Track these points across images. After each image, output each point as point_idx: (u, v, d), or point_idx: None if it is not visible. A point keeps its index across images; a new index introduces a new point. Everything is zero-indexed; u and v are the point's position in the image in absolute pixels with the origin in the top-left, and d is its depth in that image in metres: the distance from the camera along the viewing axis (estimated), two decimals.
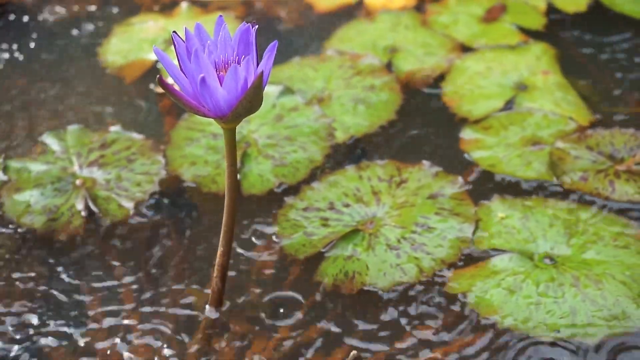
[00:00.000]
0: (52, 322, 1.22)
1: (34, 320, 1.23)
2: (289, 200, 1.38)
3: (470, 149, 1.48)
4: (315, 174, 1.44)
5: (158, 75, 0.96)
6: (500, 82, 1.62)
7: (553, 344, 1.15)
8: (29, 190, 1.40)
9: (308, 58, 1.70)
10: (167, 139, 1.52)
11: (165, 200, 1.41)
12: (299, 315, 1.22)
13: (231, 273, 1.27)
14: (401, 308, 1.22)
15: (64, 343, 1.19)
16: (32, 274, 1.30)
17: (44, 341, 1.20)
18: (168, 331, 1.20)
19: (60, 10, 1.95)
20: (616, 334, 1.15)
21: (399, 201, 1.35)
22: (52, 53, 1.81)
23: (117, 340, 1.19)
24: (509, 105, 1.57)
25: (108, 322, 1.22)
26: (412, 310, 1.22)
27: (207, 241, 1.34)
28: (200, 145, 1.49)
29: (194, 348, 1.18)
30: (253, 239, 1.34)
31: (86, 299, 1.26)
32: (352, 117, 1.55)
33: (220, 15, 1.00)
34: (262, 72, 0.95)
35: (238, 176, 1.42)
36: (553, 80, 1.61)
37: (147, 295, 1.26)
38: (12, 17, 1.93)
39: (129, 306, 1.24)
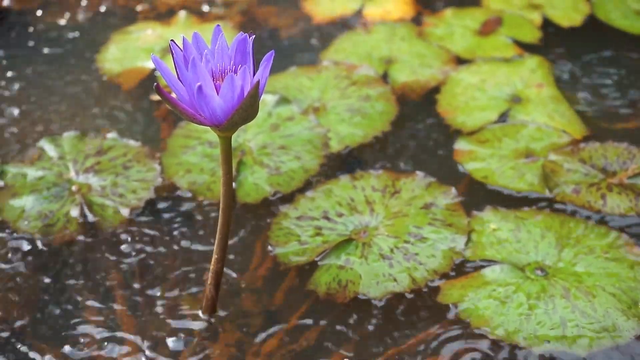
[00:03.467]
0: (45, 328, 1.23)
1: (28, 325, 1.23)
2: (283, 209, 1.39)
3: (464, 161, 1.49)
4: (309, 183, 1.45)
5: (155, 83, 0.97)
6: (494, 95, 1.63)
7: (543, 355, 1.16)
8: (25, 196, 1.41)
9: (304, 68, 1.71)
10: (163, 146, 1.53)
11: (161, 207, 1.42)
12: (292, 323, 1.23)
13: (225, 280, 1.28)
14: (393, 317, 1.23)
15: (57, 349, 1.20)
16: (27, 279, 1.30)
17: (37, 348, 1.20)
18: (162, 338, 1.21)
19: (58, 17, 1.96)
20: (606, 346, 1.15)
21: (393, 211, 1.36)
22: (50, 60, 1.82)
23: (111, 346, 1.20)
24: (503, 117, 1.58)
25: (102, 328, 1.22)
26: (404, 319, 1.22)
27: (202, 248, 1.35)
28: (196, 153, 1.49)
29: (187, 355, 1.18)
30: (247, 247, 1.35)
31: (80, 305, 1.26)
32: (347, 127, 1.56)
33: (218, 25, 1.01)
34: (258, 82, 0.96)
35: (233, 184, 1.42)
36: (547, 94, 1.63)
37: (141, 301, 1.26)
38: (10, 23, 1.94)
39: (123, 312, 1.25)
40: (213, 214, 1.40)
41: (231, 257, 1.32)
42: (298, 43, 1.87)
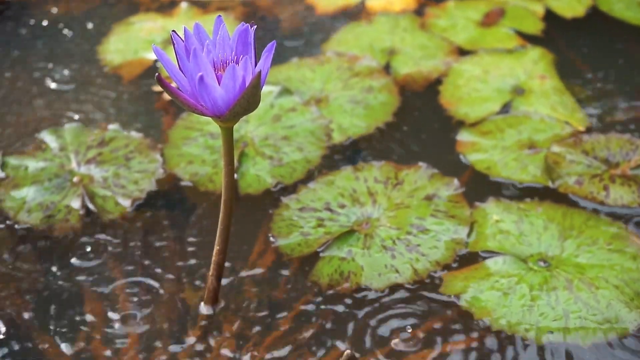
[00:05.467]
0: (48, 320, 1.23)
1: (30, 317, 1.23)
2: (285, 200, 1.38)
3: (467, 152, 1.49)
4: (312, 175, 1.44)
5: (157, 73, 0.97)
6: (497, 86, 1.63)
7: (545, 347, 1.15)
8: (26, 187, 1.41)
9: (306, 59, 1.71)
10: (164, 137, 1.53)
11: (162, 199, 1.42)
12: (294, 314, 1.22)
13: (227, 271, 1.28)
14: (395, 309, 1.23)
15: (60, 341, 1.20)
16: (29, 271, 1.30)
17: (39, 339, 1.20)
18: (163, 329, 1.21)
19: (60, 8, 1.96)
20: (609, 337, 1.15)
21: (395, 202, 1.36)
22: (51, 51, 1.82)
23: (112, 336, 1.20)
24: (505, 108, 1.58)
25: (104, 319, 1.22)
26: (406, 310, 1.22)
27: (204, 239, 1.35)
28: (197, 145, 1.49)
29: (189, 346, 1.18)
30: (249, 238, 1.35)
31: (82, 296, 1.26)
32: (349, 118, 1.55)
33: (219, 15, 1.01)
34: (260, 72, 0.95)
35: (235, 175, 1.42)
36: (550, 85, 1.62)
37: (143, 292, 1.26)
38: (11, 14, 1.93)
39: (124, 303, 1.25)
40: (215, 205, 1.40)
41: (233, 248, 1.32)
42: (300, 34, 1.86)
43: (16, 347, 1.19)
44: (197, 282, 1.28)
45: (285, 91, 1.57)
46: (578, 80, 1.68)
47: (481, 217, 1.34)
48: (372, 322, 1.21)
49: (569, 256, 1.26)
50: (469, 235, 1.31)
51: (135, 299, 1.25)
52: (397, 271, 1.25)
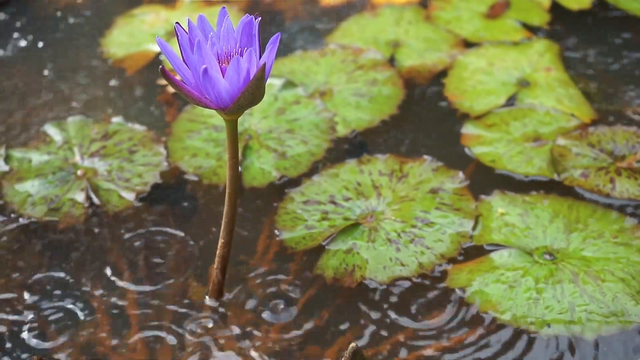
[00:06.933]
0: (51, 312, 1.23)
1: (33, 309, 1.23)
2: (289, 193, 1.38)
3: (472, 145, 1.48)
4: (316, 168, 1.44)
5: (161, 66, 0.96)
6: (502, 78, 1.62)
7: (551, 340, 1.15)
8: (30, 180, 1.40)
9: (310, 52, 1.70)
10: (168, 130, 1.53)
11: (166, 192, 1.42)
12: (298, 307, 1.22)
13: (231, 265, 1.27)
14: (400, 302, 1.22)
15: (64, 333, 1.19)
16: (33, 264, 1.30)
17: (43, 331, 1.20)
18: (168, 322, 1.21)
19: (63, 1, 1.95)
20: (614, 330, 1.15)
21: (400, 195, 1.35)
22: (54, 44, 1.81)
23: (116, 330, 1.20)
24: (510, 101, 1.57)
25: (108, 312, 1.22)
26: (411, 304, 1.22)
27: (208, 233, 1.34)
28: (201, 138, 1.49)
29: (193, 339, 1.18)
30: (254, 231, 1.34)
31: (86, 289, 1.26)
32: (353, 111, 1.55)
33: (223, 7, 1.01)
34: (264, 64, 0.95)
35: (239, 168, 1.42)
36: (555, 77, 1.61)
37: (147, 285, 1.26)
38: (14, 7, 1.93)
39: (129, 296, 1.24)
40: (219, 198, 1.40)
41: (238, 241, 1.32)
42: (304, 26, 1.86)
43: (19, 339, 1.19)
44: (202, 275, 1.27)
45: (289, 84, 1.57)
46: (584, 72, 1.67)
47: (486, 210, 1.33)
48: (377, 316, 1.21)
49: (574, 249, 1.25)
50: (474, 228, 1.31)
51: (139, 292, 1.25)
52: (402, 264, 1.25)
